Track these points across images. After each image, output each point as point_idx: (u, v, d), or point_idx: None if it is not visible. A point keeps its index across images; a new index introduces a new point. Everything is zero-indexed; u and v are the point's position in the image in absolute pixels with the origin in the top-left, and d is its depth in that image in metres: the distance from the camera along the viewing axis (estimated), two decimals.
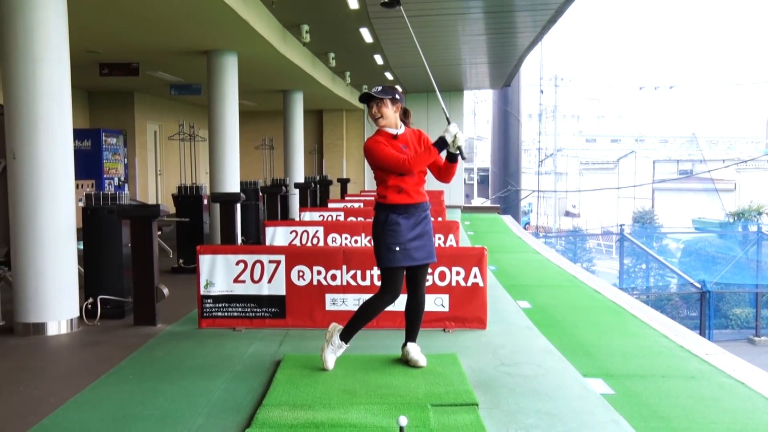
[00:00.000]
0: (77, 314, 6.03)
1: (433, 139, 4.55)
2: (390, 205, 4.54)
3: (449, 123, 4.43)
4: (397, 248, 4.47)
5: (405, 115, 4.72)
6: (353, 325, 4.62)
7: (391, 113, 4.57)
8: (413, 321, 4.73)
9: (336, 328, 4.66)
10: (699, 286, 19.55)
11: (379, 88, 4.60)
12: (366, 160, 4.68)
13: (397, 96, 4.60)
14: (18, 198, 5.76)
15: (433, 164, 4.61)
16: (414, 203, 4.55)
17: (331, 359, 4.58)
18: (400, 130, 4.63)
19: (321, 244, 8.62)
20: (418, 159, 4.45)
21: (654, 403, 4.21)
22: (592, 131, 60.93)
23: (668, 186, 38.74)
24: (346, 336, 4.62)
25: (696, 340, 6.07)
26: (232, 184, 10.69)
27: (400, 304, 4.84)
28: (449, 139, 4.39)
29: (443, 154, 4.55)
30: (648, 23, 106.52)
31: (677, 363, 5.13)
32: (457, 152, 4.45)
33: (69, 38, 5.99)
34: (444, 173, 4.64)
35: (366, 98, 4.61)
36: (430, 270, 5.75)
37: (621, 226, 26.41)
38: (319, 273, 5.85)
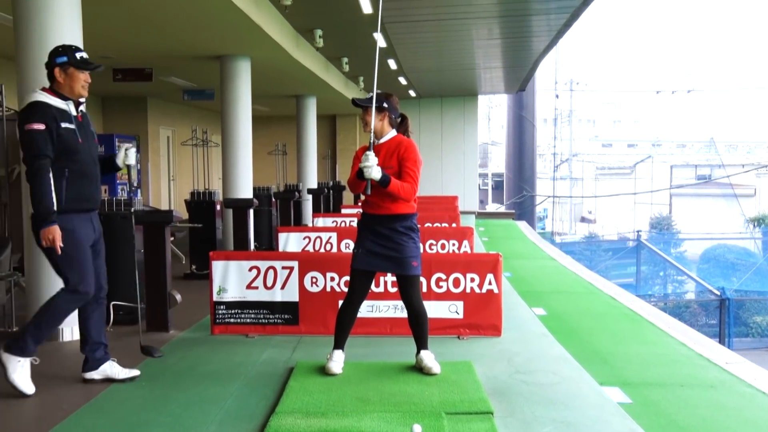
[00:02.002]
0: None
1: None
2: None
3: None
4: (356, 251, 4.61)
5: (401, 123, 4.68)
6: (335, 333, 4.70)
7: (374, 122, 4.54)
8: (414, 330, 4.71)
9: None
10: (718, 293, 19.29)
11: (370, 95, 4.58)
12: None
13: (385, 105, 4.54)
14: None
15: None
16: (370, 213, 4.60)
17: (333, 365, 4.58)
18: (382, 139, 4.58)
19: (334, 250, 8.59)
20: (349, 181, 4.56)
21: (672, 413, 4.14)
22: (609, 136, 60.54)
23: (686, 191, 38.34)
24: (336, 344, 4.68)
25: (715, 349, 5.98)
26: (245, 189, 10.70)
27: None
28: (362, 167, 4.34)
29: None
30: (665, 26, 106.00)
31: (696, 372, 5.04)
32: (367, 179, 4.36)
33: (83, 44, 6.00)
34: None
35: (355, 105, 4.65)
36: (443, 276, 5.71)
37: (638, 232, 26.17)
38: (332, 279, 5.82)
